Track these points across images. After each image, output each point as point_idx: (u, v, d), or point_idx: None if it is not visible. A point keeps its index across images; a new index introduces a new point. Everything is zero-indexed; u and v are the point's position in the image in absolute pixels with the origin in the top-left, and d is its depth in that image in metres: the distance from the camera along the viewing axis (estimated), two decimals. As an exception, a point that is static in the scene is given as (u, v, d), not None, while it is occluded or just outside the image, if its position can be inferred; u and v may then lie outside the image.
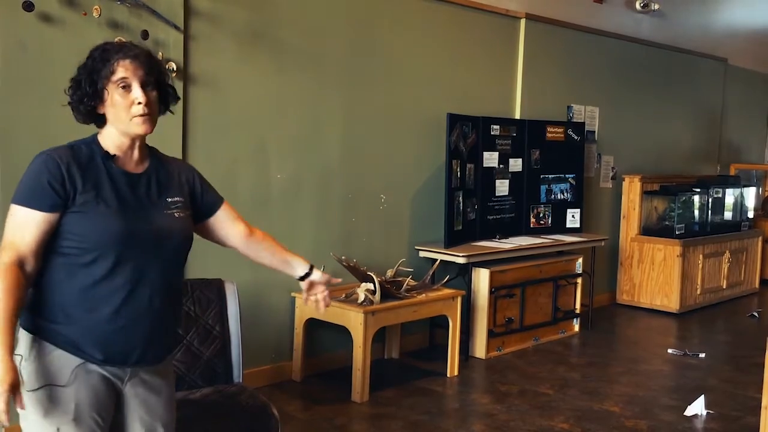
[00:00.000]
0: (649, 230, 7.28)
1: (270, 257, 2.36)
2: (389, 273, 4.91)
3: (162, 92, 2.08)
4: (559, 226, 6.35)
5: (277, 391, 4.56)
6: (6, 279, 1.87)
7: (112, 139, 2.04)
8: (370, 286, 4.55)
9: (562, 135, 6.34)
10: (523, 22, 6.19)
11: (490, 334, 5.42)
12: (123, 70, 1.97)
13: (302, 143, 4.80)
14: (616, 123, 7.27)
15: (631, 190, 7.30)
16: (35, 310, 1.99)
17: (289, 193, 4.74)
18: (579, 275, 6.17)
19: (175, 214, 2.10)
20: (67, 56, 3.57)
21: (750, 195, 8.27)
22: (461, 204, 5.51)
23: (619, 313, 7.10)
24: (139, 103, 1.97)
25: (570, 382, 4.98)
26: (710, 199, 7.57)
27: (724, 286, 7.65)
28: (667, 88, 7.92)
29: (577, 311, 6.20)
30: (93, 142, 2.04)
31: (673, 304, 7.04)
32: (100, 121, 2.05)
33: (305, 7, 4.73)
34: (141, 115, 1.98)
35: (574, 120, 6.74)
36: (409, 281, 4.83)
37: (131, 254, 1.98)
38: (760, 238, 8.24)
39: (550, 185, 6.29)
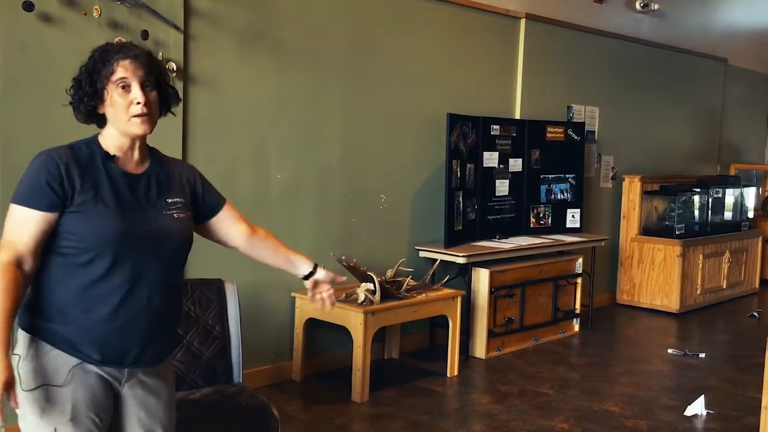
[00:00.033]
0: (649, 230, 7.28)
1: (273, 257, 2.35)
2: (389, 273, 4.91)
3: (162, 93, 2.07)
4: (559, 226, 6.35)
5: (277, 391, 4.56)
6: (3, 278, 1.88)
7: (112, 139, 2.04)
8: (370, 286, 4.55)
9: (562, 135, 6.34)
10: (523, 22, 6.19)
11: (490, 334, 5.42)
12: (122, 70, 1.97)
13: (302, 143, 4.80)
14: (616, 123, 7.27)
15: (631, 190, 7.30)
16: (33, 310, 1.99)
17: (289, 193, 4.74)
18: (579, 275, 6.17)
19: (175, 214, 2.09)
20: (67, 56, 3.57)
21: (750, 195, 8.27)
22: (461, 204, 5.51)
23: (619, 313, 7.10)
24: (138, 103, 1.97)
25: (570, 382, 4.98)
26: (710, 199, 7.57)
27: (724, 286, 7.65)
28: (667, 88, 7.92)
29: (577, 311, 6.20)
30: (93, 142, 2.04)
31: (673, 304, 7.04)
32: (101, 121, 2.05)
33: (305, 7, 4.73)
34: (140, 115, 1.98)
35: (574, 120, 6.74)
36: (409, 281, 4.83)
37: (129, 254, 1.98)
38: (760, 238, 8.24)
39: (550, 185, 6.29)
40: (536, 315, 5.82)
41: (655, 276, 7.14)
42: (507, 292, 5.54)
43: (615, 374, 5.19)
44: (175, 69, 4.06)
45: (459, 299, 5.02)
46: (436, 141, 5.48)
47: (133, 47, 2.03)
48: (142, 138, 2.06)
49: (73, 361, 1.98)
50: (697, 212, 7.45)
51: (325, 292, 2.35)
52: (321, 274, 2.35)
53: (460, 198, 5.48)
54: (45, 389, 1.96)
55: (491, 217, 5.87)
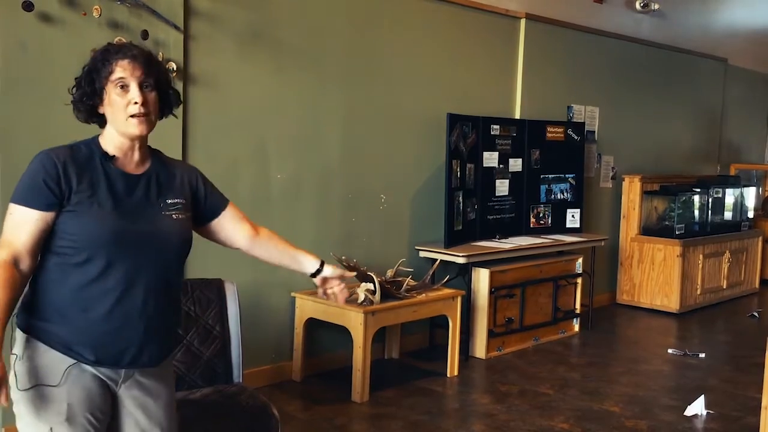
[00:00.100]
0: (649, 230, 7.28)
1: (278, 256, 2.35)
2: (389, 273, 4.91)
3: (162, 95, 2.07)
4: (559, 226, 6.35)
5: (277, 391, 4.56)
6: (0, 276, 1.88)
7: (112, 139, 2.04)
8: (370, 286, 4.55)
9: (562, 135, 6.34)
10: (523, 22, 6.19)
11: (490, 334, 5.42)
12: (121, 70, 1.98)
13: (302, 143, 4.80)
14: (616, 123, 7.27)
15: (631, 190, 7.30)
16: (30, 309, 2.00)
17: (289, 193, 4.74)
18: (579, 275, 6.17)
19: (174, 215, 2.09)
20: (67, 56, 3.57)
21: (750, 195, 8.27)
22: (461, 204, 5.51)
23: (619, 313, 7.10)
24: (135, 103, 1.97)
25: (570, 382, 4.98)
26: (710, 199, 7.57)
27: (724, 286, 7.65)
28: (667, 88, 7.92)
29: (577, 311, 6.20)
30: (93, 142, 2.05)
31: (673, 304, 7.04)
32: (102, 121, 2.06)
33: (305, 7, 4.73)
34: (137, 116, 1.98)
35: (574, 120, 6.74)
36: (409, 281, 4.83)
37: (125, 255, 1.97)
38: (760, 238, 8.24)
39: (550, 185, 6.29)
40: (536, 315, 5.82)
41: (655, 276, 7.14)
42: (507, 292, 5.54)
43: (615, 374, 5.19)
44: (175, 69, 4.06)
45: (459, 299, 5.02)
46: (436, 141, 5.48)
47: (132, 47, 2.03)
48: (142, 138, 2.05)
49: (68, 361, 1.98)
50: (697, 212, 7.45)
51: (337, 287, 2.36)
52: (328, 270, 2.34)
53: (460, 198, 5.48)
54: (40, 389, 1.96)
55: (491, 217, 5.87)
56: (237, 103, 4.45)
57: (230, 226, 2.27)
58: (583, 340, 6.05)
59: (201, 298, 3.34)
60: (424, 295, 4.88)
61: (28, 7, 3.51)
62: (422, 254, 5.42)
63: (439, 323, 5.32)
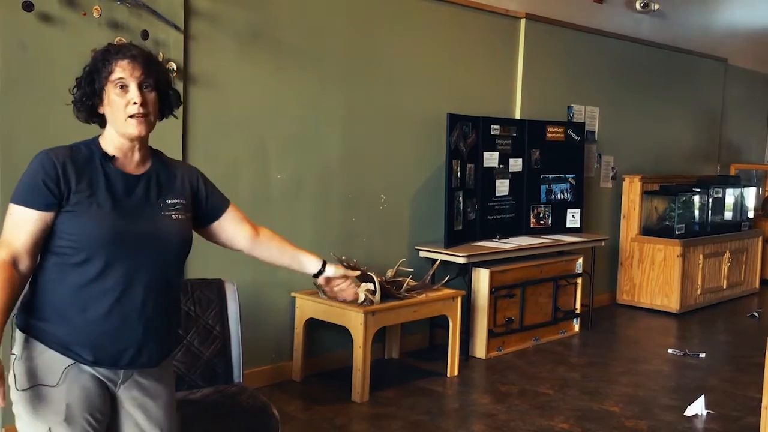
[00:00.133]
0: (649, 230, 7.28)
1: (279, 256, 2.34)
2: (389, 273, 4.91)
3: (162, 95, 2.07)
4: (559, 226, 6.35)
5: (277, 391, 4.56)
6: None
7: (112, 140, 2.04)
8: (370, 286, 4.54)
9: (562, 135, 6.34)
10: (523, 22, 6.19)
11: (490, 334, 5.42)
12: (120, 70, 1.98)
13: (302, 143, 4.80)
14: (616, 123, 7.27)
15: (631, 190, 7.30)
16: (29, 309, 2.00)
17: (289, 193, 4.74)
18: (579, 275, 6.17)
19: (174, 216, 2.08)
20: (67, 56, 3.57)
21: (750, 195, 8.27)
22: (461, 204, 5.51)
23: (619, 313, 7.10)
24: (135, 103, 1.97)
25: (570, 382, 4.98)
26: (710, 199, 7.57)
27: (725, 286, 7.65)
28: (667, 88, 7.92)
29: (578, 311, 6.20)
30: (93, 143, 2.05)
31: (673, 304, 7.04)
32: (103, 121, 2.06)
33: (305, 7, 4.73)
34: (136, 116, 1.98)
35: (574, 120, 6.74)
36: (409, 281, 4.83)
37: (123, 255, 1.97)
38: (760, 238, 8.24)
39: (550, 185, 6.29)
40: (536, 315, 5.82)
41: (656, 276, 7.14)
42: (507, 292, 5.54)
43: (615, 374, 5.19)
44: (175, 69, 4.06)
45: (459, 299, 5.02)
46: (436, 141, 5.48)
47: (132, 48, 2.03)
48: (142, 139, 2.05)
49: (67, 361, 1.97)
50: (697, 212, 7.45)
51: (344, 284, 2.36)
52: (331, 270, 2.34)
53: (460, 198, 5.48)
54: (39, 389, 1.96)
55: (491, 217, 5.87)
56: (237, 103, 4.45)
57: (231, 227, 2.27)
58: (583, 340, 6.05)
59: (201, 298, 3.34)
60: (424, 295, 4.88)
61: (28, 7, 3.51)
62: (422, 254, 5.42)
63: (439, 323, 5.32)
